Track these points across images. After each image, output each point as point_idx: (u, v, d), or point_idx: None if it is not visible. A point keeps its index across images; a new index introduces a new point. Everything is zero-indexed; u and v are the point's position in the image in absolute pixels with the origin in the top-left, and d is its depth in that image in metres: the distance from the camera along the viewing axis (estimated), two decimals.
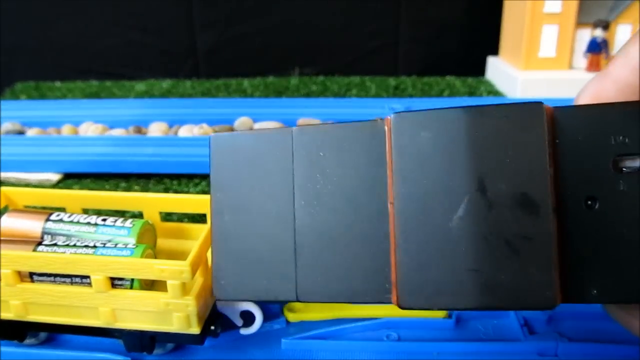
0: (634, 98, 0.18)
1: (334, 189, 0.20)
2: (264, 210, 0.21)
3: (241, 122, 0.58)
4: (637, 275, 0.16)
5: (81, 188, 0.49)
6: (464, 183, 0.18)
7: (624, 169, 0.17)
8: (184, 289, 0.25)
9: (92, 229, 0.29)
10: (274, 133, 0.21)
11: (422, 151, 0.18)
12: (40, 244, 0.27)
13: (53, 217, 0.30)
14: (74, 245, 0.27)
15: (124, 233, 0.29)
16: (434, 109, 0.18)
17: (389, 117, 0.19)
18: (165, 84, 0.79)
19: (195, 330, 0.26)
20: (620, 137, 0.17)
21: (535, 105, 0.17)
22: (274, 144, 0.21)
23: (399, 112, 0.19)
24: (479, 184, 0.18)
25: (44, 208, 0.34)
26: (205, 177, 0.50)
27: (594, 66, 0.68)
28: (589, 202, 0.17)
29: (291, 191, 0.20)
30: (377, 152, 0.19)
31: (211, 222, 0.21)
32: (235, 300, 0.22)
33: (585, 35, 0.69)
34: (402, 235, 0.18)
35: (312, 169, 0.20)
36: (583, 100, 0.19)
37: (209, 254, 0.27)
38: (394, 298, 0.19)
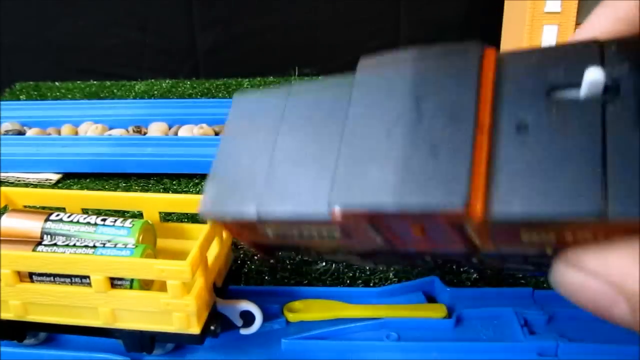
0: None
1: (305, 121, 0.23)
2: (251, 148, 0.24)
3: None
4: (556, 192, 0.16)
5: (81, 188, 0.49)
6: (402, 104, 0.20)
7: (558, 99, 0.17)
8: (184, 289, 0.25)
9: (91, 229, 0.29)
10: (274, 90, 0.25)
11: (375, 84, 0.21)
12: (40, 244, 0.27)
13: (53, 217, 0.30)
14: (74, 245, 0.27)
15: (124, 233, 0.29)
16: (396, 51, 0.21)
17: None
18: (165, 84, 0.79)
19: (195, 330, 0.26)
20: (559, 72, 0.18)
21: (473, 44, 0.19)
22: (273, 97, 0.25)
23: (367, 55, 0.22)
24: (414, 104, 0.20)
25: (43, 208, 0.34)
26: (204, 177, 0.50)
27: None
28: (521, 127, 0.18)
29: (277, 131, 0.24)
30: (345, 93, 0.22)
31: (214, 159, 0.25)
32: (211, 218, 0.25)
33: None
34: (345, 146, 0.21)
35: (298, 113, 0.24)
36: None
37: (208, 254, 0.27)
38: (332, 214, 0.20)
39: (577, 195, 0.16)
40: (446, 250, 0.21)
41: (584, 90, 0.17)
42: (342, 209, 0.19)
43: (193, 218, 0.41)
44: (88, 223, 0.29)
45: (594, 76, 0.17)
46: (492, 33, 0.79)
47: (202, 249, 0.25)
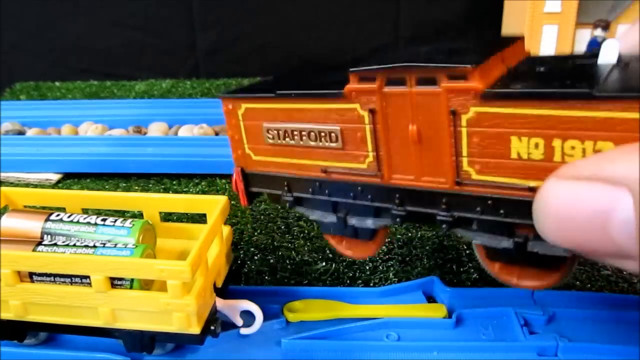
0: None
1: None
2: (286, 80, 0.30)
3: None
4: (553, 86, 0.20)
5: (81, 188, 0.49)
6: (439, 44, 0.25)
7: (575, 63, 0.23)
8: (184, 289, 0.25)
9: (92, 229, 0.29)
10: None
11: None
12: (40, 244, 0.27)
13: (53, 217, 0.30)
14: (74, 245, 0.27)
15: (124, 233, 0.29)
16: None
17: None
18: (165, 84, 0.79)
19: (195, 330, 0.26)
20: (581, 56, 0.23)
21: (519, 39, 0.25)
22: None
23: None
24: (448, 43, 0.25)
25: (44, 208, 0.34)
26: (204, 177, 0.50)
27: None
28: (537, 69, 0.23)
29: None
30: None
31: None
32: (228, 98, 0.28)
33: (585, 35, 0.69)
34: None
35: None
36: None
37: (208, 254, 0.27)
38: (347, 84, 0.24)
39: (571, 86, 0.19)
40: (430, 182, 0.23)
41: (600, 57, 0.22)
42: (357, 71, 0.23)
43: (193, 218, 0.41)
44: (88, 223, 0.29)
45: (610, 44, 0.21)
46: (492, 33, 0.79)
47: (202, 249, 0.25)
